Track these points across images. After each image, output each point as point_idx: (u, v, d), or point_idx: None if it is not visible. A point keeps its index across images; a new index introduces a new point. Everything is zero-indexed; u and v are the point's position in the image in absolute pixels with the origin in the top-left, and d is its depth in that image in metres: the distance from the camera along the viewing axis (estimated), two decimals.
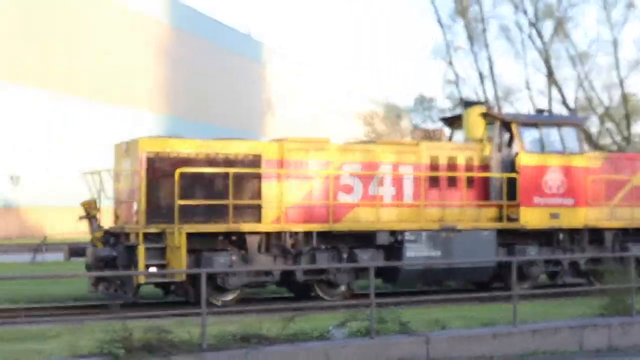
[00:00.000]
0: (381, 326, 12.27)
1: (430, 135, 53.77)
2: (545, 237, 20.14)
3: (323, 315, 14.52)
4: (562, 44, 45.13)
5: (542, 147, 19.87)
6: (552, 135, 20.29)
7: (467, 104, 20.51)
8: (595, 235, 20.75)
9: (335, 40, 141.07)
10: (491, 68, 47.04)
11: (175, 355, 10.67)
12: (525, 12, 45.35)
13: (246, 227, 16.82)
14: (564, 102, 44.91)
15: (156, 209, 16.40)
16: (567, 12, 44.71)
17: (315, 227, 17.47)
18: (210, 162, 16.96)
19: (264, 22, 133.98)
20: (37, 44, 45.21)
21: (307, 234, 17.44)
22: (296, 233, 17.26)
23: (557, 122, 20.42)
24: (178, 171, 16.19)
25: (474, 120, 20.18)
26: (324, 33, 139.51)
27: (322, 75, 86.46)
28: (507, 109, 43.54)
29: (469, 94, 48.27)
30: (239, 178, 17.14)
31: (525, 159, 19.53)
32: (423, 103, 55.36)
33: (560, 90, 45.13)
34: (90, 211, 16.65)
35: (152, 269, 15.99)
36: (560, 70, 45.45)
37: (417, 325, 12.62)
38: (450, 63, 48.55)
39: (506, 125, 19.88)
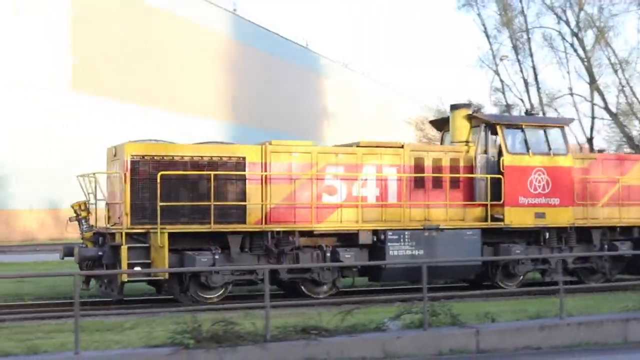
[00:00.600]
0: (433, 319, 12.65)
1: None
2: (532, 236, 20.11)
3: (377, 308, 14.94)
4: (603, 52, 45.82)
5: (527, 148, 19.80)
6: (538, 136, 20.17)
7: (453, 106, 20.56)
8: (584, 234, 20.72)
9: (387, 49, 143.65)
10: (535, 75, 48.06)
11: (241, 345, 11.19)
12: (567, 23, 46.22)
13: (227, 227, 17.05)
14: (606, 108, 45.70)
15: (141, 210, 16.63)
16: (608, 22, 45.31)
17: (297, 227, 17.61)
18: (195, 165, 17.21)
19: (321, 33, 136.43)
20: (127, 63, 47.11)
21: (290, 234, 17.70)
22: (278, 233, 17.51)
23: (542, 123, 20.31)
24: (160, 174, 16.55)
25: (460, 122, 20.18)
26: (376, 42, 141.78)
27: (376, 83, 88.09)
28: (551, 115, 44.40)
29: (514, 100, 49.48)
30: (223, 180, 17.43)
31: (510, 160, 19.45)
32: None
33: (602, 96, 45.76)
34: (79, 212, 17.03)
35: (137, 268, 16.35)
36: (602, 77, 46.17)
37: (467, 318, 13.01)
38: (496, 71, 49.58)
39: (491, 127, 19.90)
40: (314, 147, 18.42)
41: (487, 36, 49.32)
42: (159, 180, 16.41)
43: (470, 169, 19.66)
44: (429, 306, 12.73)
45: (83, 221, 17.01)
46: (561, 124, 20.56)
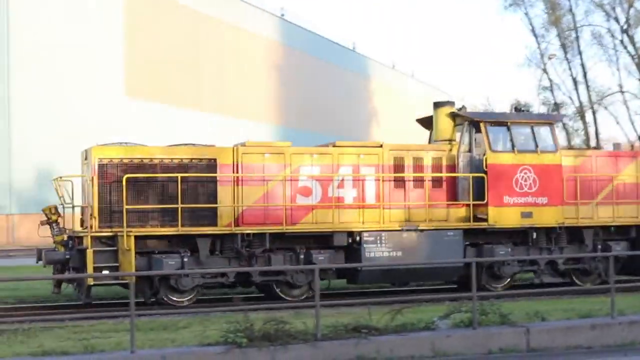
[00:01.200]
0: (483, 318, 12.53)
1: None
2: (520, 236, 19.22)
3: (426, 307, 14.91)
4: None
5: (512, 146, 18.92)
6: (525, 133, 19.23)
7: (436, 104, 19.77)
8: (576, 234, 19.75)
9: (434, 49, 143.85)
10: (584, 73, 47.53)
11: (292, 344, 11.25)
12: (617, 20, 45.74)
13: (195, 230, 16.57)
14: None
15: (109, 214, 16.24)
16: None
17: (267, 229, 17.01)
18: (165, 167, 16.76)
19: (368, 35, 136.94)
20: (177, 69, 47.73)
21: (263, 236, 17.19)
22: (248, 235, 16.98)
23: (529, 120, 19.25)
24: (125, 176, 16.18)
25: (443, 120, 19.36)
26: (423, 43, 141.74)
27: (422, 84, 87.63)
28: (602, 113, 43.74)
29: (563, 99, 49.32)
30: (193, 182, 16.98)
31: (493, 158, 18.52)
32: (518, 108, 54.59)
33: None
34: (50, 216, 16.79)
35: (105, 272, 16.03)
36: None
37: (517, 317, 12.86)
38: (544, 70, 49.12)
39: (475, 125, 19.09)
40: (288, 148, 17.79)
41: (535, 35, 49.14)
42: (124, 183, 16.00)
43: (454, 168, 18.88)
44: (479, 305, 12.69)
45: (54, 225, 16.75)
46: (550, 120, 19.61)
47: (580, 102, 47.65)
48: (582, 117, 49.10)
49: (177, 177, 16.43)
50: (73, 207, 16.80)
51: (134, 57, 45.06)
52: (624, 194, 20.14)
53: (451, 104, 19.61)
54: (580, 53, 47.47)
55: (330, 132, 54.40)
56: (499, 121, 19.04)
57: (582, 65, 47.38)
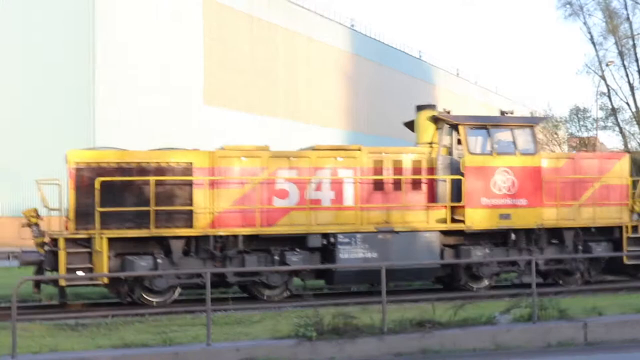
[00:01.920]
0: (542, 313, 12.87)
1: (585, 143, 54.00)
2: (500, 237, 18.86)
3: (487, 303, 15.22)
4: None
5: (491, 148, 18.51)
6: (504, 136, 18.79)
7: (418, 107, 19.38)
8: (558, 235, 19.32)
9: (496, 57, 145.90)
10: None
11: (360, 337, 11.64)
12: None
13: (167, 232, 16.40)
14: None
15: (85, 216, 16.12)
16: None
17: (240, 231, 16.80)
18: (142, 171, 16.59)
19: (433, 43, 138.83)
20: (252, 78, 48.77)
21: (236, 238, 16.95)
22: (221, 237, 16.80)
23: (509, 123, 18.72)
24: (98, 180, 16.08)
25: (424, 123, 18.91)
26: (485, 51, 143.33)
27: (485, 90, 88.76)
28: None
29: (620, 104, 49.69)
30: (170, 185, 16.82)
31: (470, 161, 18.07)
32: (578, 113, 56.71)
33: None
34: (30, 219, 16.81)
35: (80, 273, 16.02)
36: None
37: (575, 312, 13.19)
38: (602, 76, 49.47)
39: (455, 127, 18.75)
40: (265, 152, 17.51)
41: (593, 43, 49.50)
42: (97, 187, 15.90)
43: (434, 170, 18.56)
44: (538, 301, 12.97)
45: (34, 227, 16.76)
46: (530, 123, 19.05)
47: (637, 107, 48.22)
48: (639, 122, 49.77)
49: (149, 180, 16.39)
50: (48, 209, 16.83)
51: (213, 67, 45.97)
52: (608, 195, 19.55)
53: (432, 107, 19.17)
54: (637, 60, 47.71)
55: (397, 136, 53.67)
56: (478, 124, 18.58)
57: (639, 72, 47.86)
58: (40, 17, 38.77)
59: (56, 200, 16.58)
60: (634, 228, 19.65)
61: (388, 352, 11.66)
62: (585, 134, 57.10)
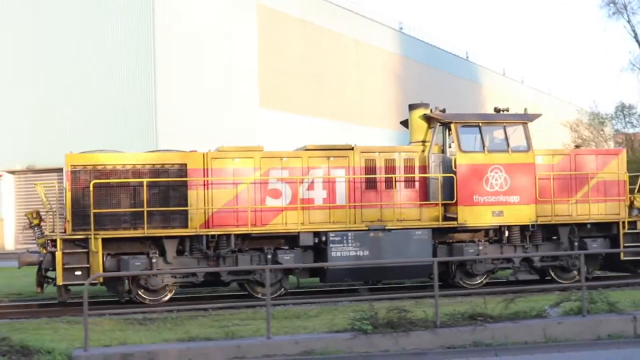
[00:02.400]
0: (591, 306, 12.94)
1: (631, 139, 54.01)
2: (494, 234, 18.67)
3: (537, 297, 15.43)
4: None
5: (483, 146, 18.33)
6: (497, 134, 18.65)
7: (410, 106, 19.34)
8: (552, 231, 19.14)
9: (542, 55, 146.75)
10: None
11: (414, 330, 11.83)
12: None
13: (161, 232, 16.52)
14: None
15: (82, 218, 16.33)
16: None
17: (232, 230, 16.90)
18: (137, 173, 16.75)
19: (480, 43, 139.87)
20: (304, 80, 49.51)
21: (229, 237, 17.04)
22: (214, 236, 16.96)
23: (502, 121, 18.54)
24: (92, 182, 16.33)
25: (417, 122, 18.87)
26: (532, 50, 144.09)
27: (531, 88, 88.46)
28: None
29: None
30: (165, 187, 17.03)
31: (462, 159, 17.93)
32: (623, 110, 56.72)
33: None
34: (32, 220, 17.13)
35: (77, 273, 16.31)
36: None
37: (624, 305, 13.25)
38: None
39: (447, 126, 18.67)
40: (257, 153, 17.58)
41: (637, 41, 49.39)
42: (91, 189, 16.14)
43: (426, 168, 18.53)
44: (587, 294, 12.98)
45: (36, 228, 17.09)
46: (523, 120, 18.90)
47: None
48: None
49: (143, 181, 16.62)
50: (49, 211, 17.16)
51: (267, 71, 46.55)
52: (605, 191, 19.29)
53: (425, 105, 19.07)
54: None
55: None
56: (470, 122, 18.47)
57: None
58: (106, 26, 39.54)
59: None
60: (634, 223, 19.43)
61: (441, 345, 11.82)
62: (631, 130, 57.06)
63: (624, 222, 19.08)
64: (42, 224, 17.12)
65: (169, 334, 12.48)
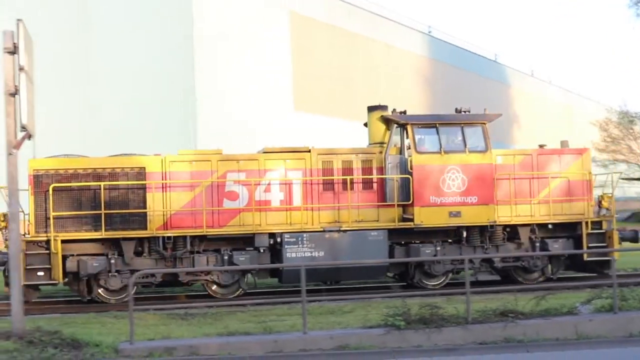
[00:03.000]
0: (623, 303, 12.89)
1: None
2: (453, 235, 18.66)
3: (568, 294, 15.48)
4: None
5: (440, 147, 18.31)
6: (454, 135, 18.46)
7: (369, 108, 19.29)
8: (514, 232, 18.95)
9: (571, 55, 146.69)
10: None
11: (446, 326, 11.97)
12: None
13: (118, 234, 16.88)
14: None
15: (44, 220, 16.73)
16: None
17: (189, 232, 17.17)
18: (97, 176, 17.05)
19: (508, 44, 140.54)
20: (335, 83, 50.41)
21: (185, 238, 17.33)
22: (170, 238, 17.18)
23: (459, 122, 18.36)
24: (51, 186, 16.74)
25: (375, 124, 18.75)
26: (560, 49, 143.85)
27: (559, 88, 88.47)
28: None
29: None
30: (124, 190, 17.36)
31: (418, 160, 17.86)
32: None
33: None
34: (0, 223, 17.67)
35: (39, 273, 16.76)
36: None
37: None
38: None
39: (404, 127, 18.65)
40: (214, 156, 17.69)
41: None
42: (50, 192, 16.57)
43: (383, 170, 18.54)
44: (619, 292, 12.99)
45: (4, 230, 17.62)
46: (481, 121, 18.76)
47: None
48: None
49: (101, 185, 17.01)
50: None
51: (300, 75, 47.58)
52: (569, 191, 19.08)
53: (383, 108, 18.99)
54: None
55: None
56: (427, 123, 18.39)
57: None
58: (149, 33, 40.63)
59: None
60: (599, 223, 19.17)
61: (473, 341, 11.94)
62: None
63: (587, 222, 18.86)
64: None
65: (209, 329, 13.01)
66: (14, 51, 12.16)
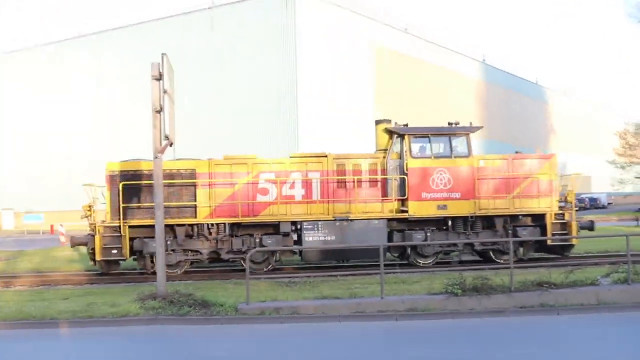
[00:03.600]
0: (635, 276, 15.60)
1: None
2: (442, 224, 22.42)
3: (590, 269, 18.48)
4: None
5: (431, 153, 22.07)
6: (443, 143, 22.23)
7: (376, 122, 23.30)
8: (491, 221, 22.63)
9: (601, 70, 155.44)
10: None
11: (493, 294, 14.69)
12: None
13: (171, 221, 21.02)
14: None
15: (117, 210, 21.17)
16: None
17: (227, 219, 21.27)
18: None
19: (547, 67, 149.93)
20: (409, 103, 59.27)
21: (230, 224, 21.32)
22: (212, 224, 21.37)
23: (447, 132, 22.02)
24: (121, 184, 21.12)
25: (380, 134, 22.73)
26: (591, 67, 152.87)
27: (588, 104, 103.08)
28: None
29: None
30: (179, 186, 21.61)
31: (412, 163, 21.61)
32: None
33: None
34: (85, 212, 22.01)
35: (114, 251, 21.18)
36: None
37: None
38: None
39: (403, 137, 22.55)
40: (251, 159, 21.63)
41: None
42: (121, 188, 20.99)
43: (385, 172, 22.46)
44: (632, 267, 15.68)
45: (89, 217, 22.05)
46: (466, 132, 22.32)
47: None
48: None
49: (164, 183, 21.27)
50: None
51: (381, 96, 56.68)
52: (538, 188, 22.48)
53: (387, 121, 22.96)
54: None
55: (520, 143, 69.26)
56: (421, 134, 22.12)
57: None
58: (265, 63, 51.01)
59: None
60: (563, 215, 22.81)
61: (514, 305, 14.45)
62: None
63: (551, 214, 22.43)
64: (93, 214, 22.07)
65: (307, 293, 15.95)
66: (159, 78, 15.11)
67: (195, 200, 21.43)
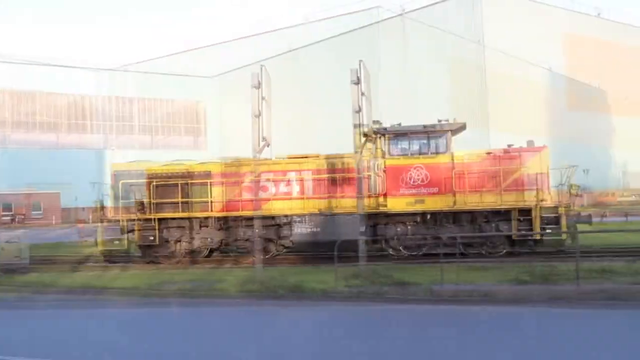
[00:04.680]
0: None
1: None
2: (421, 217, 22.81)
3: None
4: None
5: (409, 151, 22.57)
6: (422, 141, 22.45)
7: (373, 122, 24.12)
8: (472, 215, 22.40)
9: None
10: None
11: (559, 283, 15.17)
12: None
13: (190, 214, 23.90)
14: None
15: (150, 205, 25.23)
16: None
17: (234, 213, 23.69)
18: (179, 177, 24.45)
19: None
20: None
21: (228, 218, 24.20)
22: (219, 218, 24.32)
23: (426, 131, 22.20)
24: (153, 183, 24.75)
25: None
26: None
27: None
28: None
29: None
30: (198, 185, 24.83)
31: (390, 161, 22.23)
32: None
33: None
34: (137, 207, 26.15)
35: (151, 238, 25.09)
36: None
37: None
38: None
39: (383, 136, 22.77)
40: (254, 160, 24.32)
41: None
42: (152, 188, 24.64)
43: (368, 169, 23.29)
44: None
45: (138, 212, 26.23)
46: (444, 129, 22.20)
47: None
48: None
49: (178, 183, 24.68)
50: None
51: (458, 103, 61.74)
52: (526, 182, 21.79)
53: (375, 122, 23.86)
54: None
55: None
56: (400, 133, 22.55)
57: None
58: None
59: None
60: (555, 208, 21.97)
61: (578, 292, 14.46)
62: None
63: (537, 208, 21.62)
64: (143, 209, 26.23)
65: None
66: (258, 86, 17.07)
67: (210, 197, 24.36)
